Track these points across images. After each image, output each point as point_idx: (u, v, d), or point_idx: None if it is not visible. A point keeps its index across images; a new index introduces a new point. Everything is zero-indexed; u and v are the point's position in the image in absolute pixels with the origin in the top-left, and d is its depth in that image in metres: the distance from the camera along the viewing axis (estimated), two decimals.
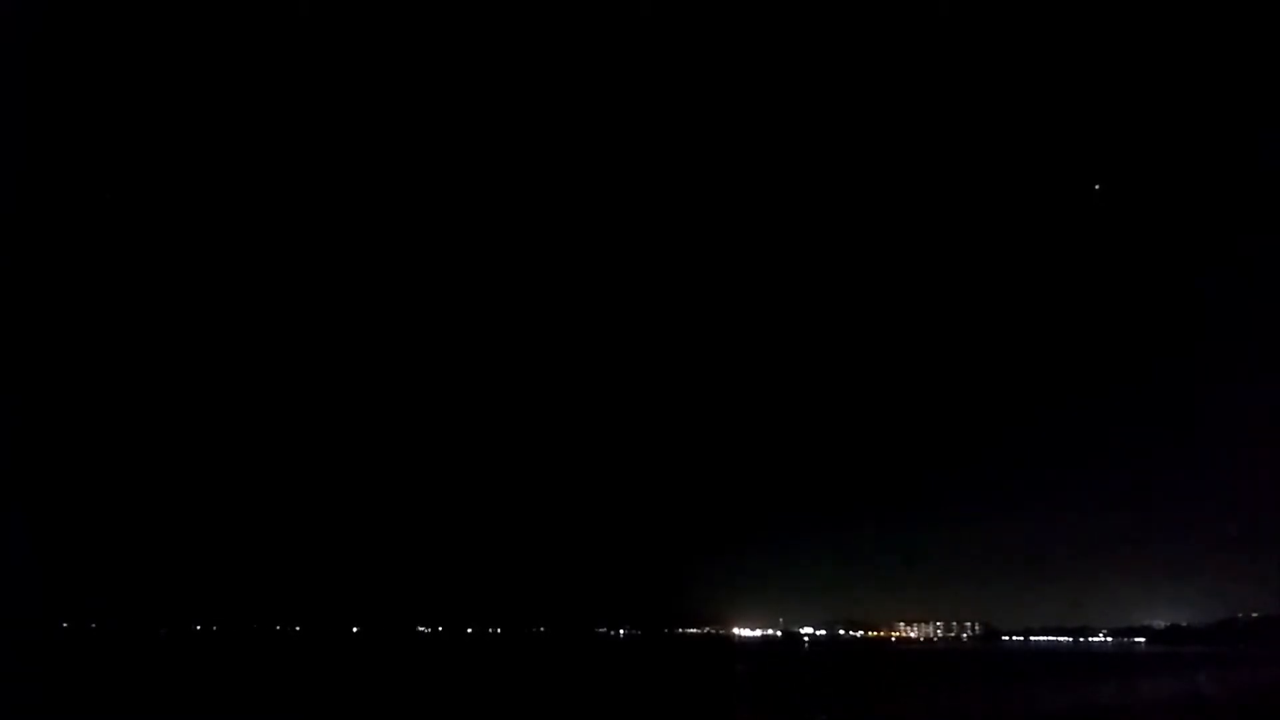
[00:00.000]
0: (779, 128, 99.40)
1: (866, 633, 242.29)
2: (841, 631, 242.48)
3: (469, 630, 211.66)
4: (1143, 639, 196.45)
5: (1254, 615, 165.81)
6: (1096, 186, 79.74)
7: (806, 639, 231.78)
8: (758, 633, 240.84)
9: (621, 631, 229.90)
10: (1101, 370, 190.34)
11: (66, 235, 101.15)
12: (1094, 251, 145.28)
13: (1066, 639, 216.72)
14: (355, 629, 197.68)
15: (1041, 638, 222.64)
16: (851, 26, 69.96)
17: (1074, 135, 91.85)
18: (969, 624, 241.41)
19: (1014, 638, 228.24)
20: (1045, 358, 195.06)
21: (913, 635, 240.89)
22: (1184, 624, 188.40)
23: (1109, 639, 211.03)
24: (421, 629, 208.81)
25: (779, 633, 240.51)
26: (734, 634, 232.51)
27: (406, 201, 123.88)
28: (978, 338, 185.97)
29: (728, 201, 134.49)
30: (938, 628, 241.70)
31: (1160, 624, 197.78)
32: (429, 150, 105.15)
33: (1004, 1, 64.75)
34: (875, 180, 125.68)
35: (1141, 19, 69.01)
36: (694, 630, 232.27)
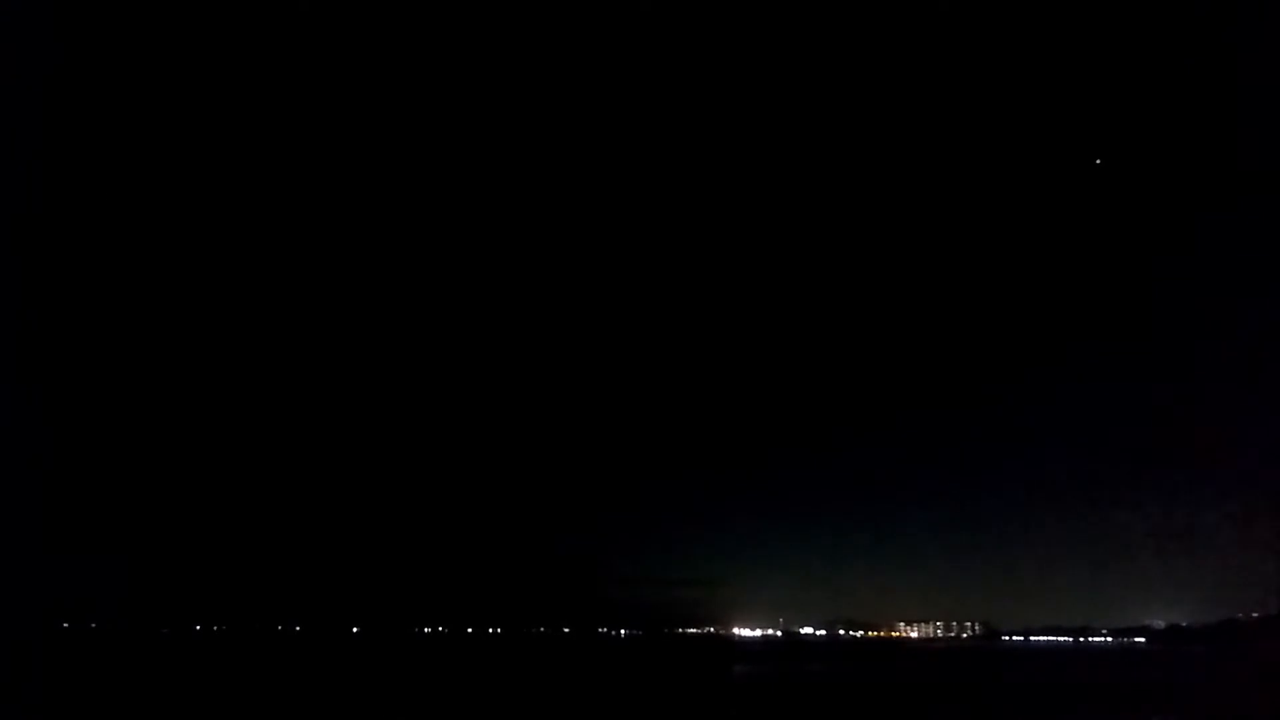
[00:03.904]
0: (755, 99, 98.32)
1: (866, 633, 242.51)
2: (841, 631, 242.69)
3: (469, 630, 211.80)
4: (1143, 639, 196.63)
5: (1254, 615, 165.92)
6: (1098, 161, 79.41)
7: (806, 639, 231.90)
8: (758, 633, 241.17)
9: (623, 632, 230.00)
10: (1102, 371, 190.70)
11: (69, 233, 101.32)
12: (1095, 251, 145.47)
13: (1067, 639, 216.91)
14: (355, 629, 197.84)
15: (1042, 638, 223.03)
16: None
17: (1067, 114, 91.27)
18: (969, 624, 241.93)
19: (1014, 638, 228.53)
20: (1046, 359, 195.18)
21: (913, 635, 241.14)
22: (1184, 624, 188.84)
23: (1109, 639, 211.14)
24: (421, 629, 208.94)
25: (779, 633, 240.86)
26: (734, 634, 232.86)
27: (396, 211, 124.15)
28: (978, 340, 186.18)
29: (722, 204, 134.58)
30: (938, 628, 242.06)
31: (1160, 624, 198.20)
32: (413, 139, 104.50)
33: None
34: (874, 180, 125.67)
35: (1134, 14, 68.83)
36: (694, 630, 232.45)
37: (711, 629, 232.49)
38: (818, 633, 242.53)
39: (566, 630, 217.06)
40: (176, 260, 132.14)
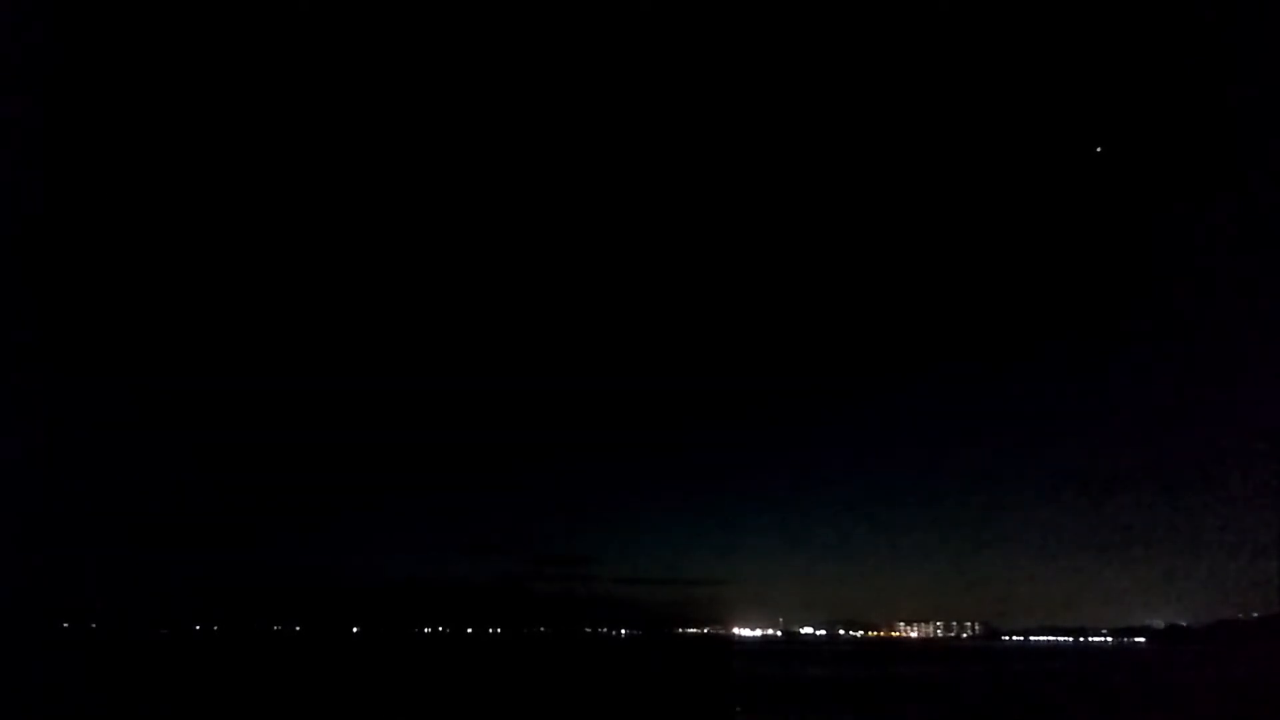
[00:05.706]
0: (765, 87, 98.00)
1: (866, 633, 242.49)
2: (841, 631, 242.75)
3: (469, 630, 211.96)
4: (1142, 639, 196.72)
5: (1254, 615, 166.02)
6: (1099, 149, 79.36)
7: (806, 639, 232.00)
8: (758, 633, 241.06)
9: (622, 632, 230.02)
10: (1102, 370, 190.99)
11: (68, 230, 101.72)
12: (1095, 251, 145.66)
13: (1067, 639, 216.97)
14: (355, 629, 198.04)
15: (1042, 638, 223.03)
16: None
17: (1069, 116, 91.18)
18: (969, 624, 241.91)
19: (1014, 637, 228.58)
20: (1046, 360, 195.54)
21: (913, 635, 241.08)
22: (1184, 624, 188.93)
23: (1109, 639, 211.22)
24: (421, 629, 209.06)
25: (779, 633, 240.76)
26: (734, 634, 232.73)
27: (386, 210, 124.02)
28: (978, 342, 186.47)
29: (725, 211, 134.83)
30: (938, 628, 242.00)
31: (1160, 624, 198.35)
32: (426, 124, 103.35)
33: None
34: (878, 176, 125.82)
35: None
36: (694, 630, 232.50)
37: (711, 629, 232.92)
38: (818, 633, 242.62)
39: (564, 630, 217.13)
40: (177, 262, 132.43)
